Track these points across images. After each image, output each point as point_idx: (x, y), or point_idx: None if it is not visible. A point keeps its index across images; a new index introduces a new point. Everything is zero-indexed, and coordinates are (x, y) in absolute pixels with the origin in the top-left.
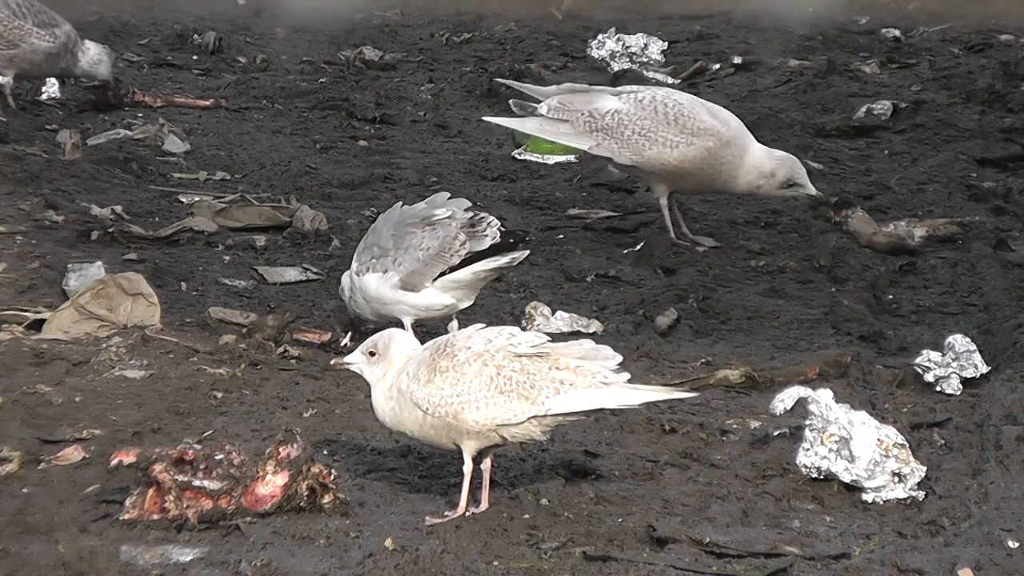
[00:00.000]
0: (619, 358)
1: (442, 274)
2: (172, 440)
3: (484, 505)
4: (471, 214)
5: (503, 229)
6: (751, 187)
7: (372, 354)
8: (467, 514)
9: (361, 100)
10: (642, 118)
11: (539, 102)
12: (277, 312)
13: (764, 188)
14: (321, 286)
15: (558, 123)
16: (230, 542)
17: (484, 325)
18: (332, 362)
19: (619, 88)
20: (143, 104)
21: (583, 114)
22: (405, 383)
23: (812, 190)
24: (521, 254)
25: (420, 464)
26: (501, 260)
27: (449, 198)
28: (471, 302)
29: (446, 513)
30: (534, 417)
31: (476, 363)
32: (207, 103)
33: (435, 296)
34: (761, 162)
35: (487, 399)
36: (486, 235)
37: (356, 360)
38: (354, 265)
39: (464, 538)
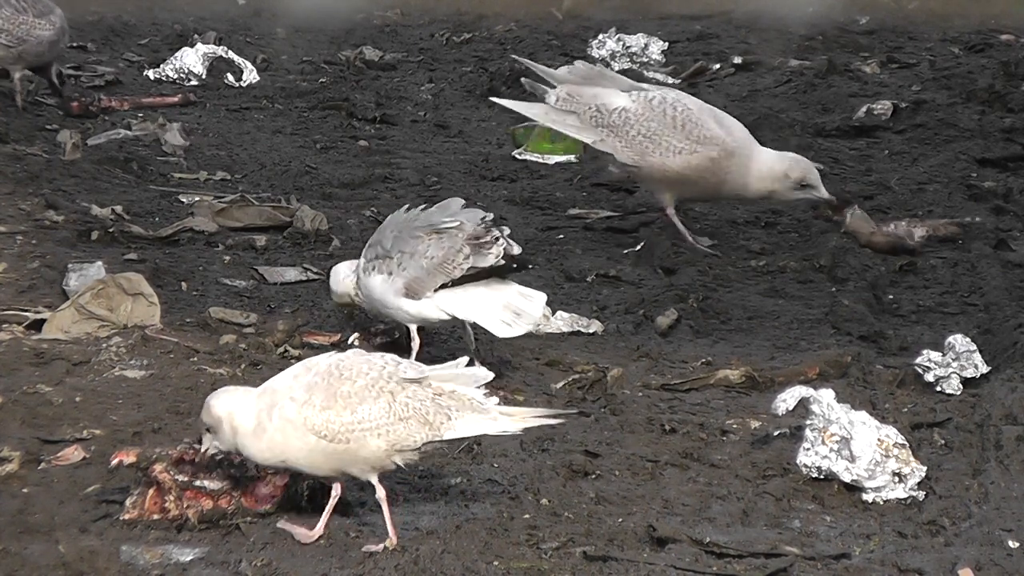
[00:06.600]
0: (489, 377)
1: (444, 286)
2: (172, 440)
3: (320, 530)
4: (482, 225)
5: (509, 252)
6: (764, 192)
7: (208, 430)
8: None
9: (361, 100)
10: (649, 120)
11: (550, 84)
12: (287, 316)
13: (778, 191)
14: (321, 286)
15: (565, 114)
16: (230, 542)
17: (364, 351)
18: (203, 449)
19: (631, 84)
20: (111, 109)
21: (590, 108)
22: (293, 411)
23: (825, 194)
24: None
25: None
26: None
27: (464, 206)
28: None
29: (368, 547)
30: (429, 443)
31: (374, 389)
32: (175, 99)
33: (430, 311)
34: (772, 166)
35: (389, 425)
36: (490, 253)
37: (208, 443)
38: (361, 262)
39: (464, 538)
